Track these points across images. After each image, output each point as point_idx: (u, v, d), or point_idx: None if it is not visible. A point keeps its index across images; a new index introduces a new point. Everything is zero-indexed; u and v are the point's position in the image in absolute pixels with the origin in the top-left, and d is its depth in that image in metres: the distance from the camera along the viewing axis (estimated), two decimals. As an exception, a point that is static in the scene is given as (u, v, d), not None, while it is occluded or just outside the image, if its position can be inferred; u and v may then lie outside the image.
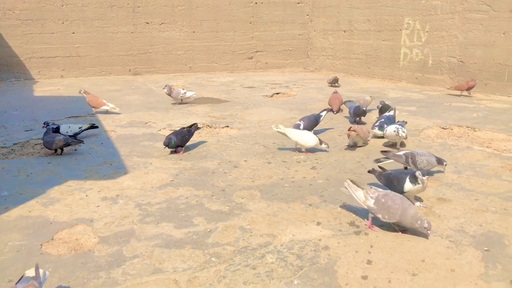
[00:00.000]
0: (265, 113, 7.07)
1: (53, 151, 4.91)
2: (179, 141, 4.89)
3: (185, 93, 7.66)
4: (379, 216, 3.04)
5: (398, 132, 4.82)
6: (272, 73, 12.85)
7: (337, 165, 4.55)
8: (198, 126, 5.30)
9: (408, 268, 2.63)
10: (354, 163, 4.59)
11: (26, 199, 3.68)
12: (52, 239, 3.02)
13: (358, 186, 3.22)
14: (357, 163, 4.59)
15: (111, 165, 4.56)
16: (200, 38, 12.55)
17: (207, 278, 2.54)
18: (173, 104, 7.81)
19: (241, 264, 2.68)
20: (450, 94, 8.67)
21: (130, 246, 2.90)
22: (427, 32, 9.79)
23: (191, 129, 5.12)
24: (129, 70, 11.98)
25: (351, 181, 3.28)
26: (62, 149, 4.94)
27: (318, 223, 3.22)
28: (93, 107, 7.00)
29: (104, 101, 7.00)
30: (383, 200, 3.03)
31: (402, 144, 5.16)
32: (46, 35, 10.99)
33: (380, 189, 3.18)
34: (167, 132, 5.81)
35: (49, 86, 10.07)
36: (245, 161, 4.70)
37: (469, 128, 5.95)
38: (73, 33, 11.23)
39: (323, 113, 5.67)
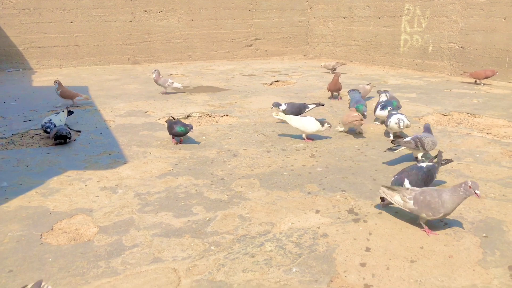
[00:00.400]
0: (265, 101, 7.04)
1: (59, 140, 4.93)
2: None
3: (172, 83, 7.62)
4: (423, 215, 2.86)
5: (400, 125, 4.68)
6: (271, 60, 12.78)
7: (336, 152, 4.55)
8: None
9: (406, 255, 2.64)
10: (353, 151, 4.58)
11: (25, 189, 3.69)
12: (52, 229, 3.03)
13: (393, 190, 3.01)
14: (357, 151, 4.58)
15: (110, 155, 4.56)
16: (199, 26, 12.46)
17: (206, 266, 2.55)
18: (162, 93, 7.76)
19: (240, 252, 2.69)
20: (461, 82, 8.62)
21: (130, 236, 2.91)
22: (427, 18, 9.71)
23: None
24: (128, 59, 11.93)
25: (386, 187, 3.07)
26: (63, 138, 4.91)
27: (317, 211, 3.23)
28: (67, 98, 6.82)
29: (76, 92, 6.89)
30: (421, 197, 2.86)
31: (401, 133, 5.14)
32: (44, 24, 10.92)
33: (416, 188, 2.99)
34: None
35: (47, 76, 10.03)
36: (244, 149, 4.69)
37: (469, 115, 5.93)
38: (71, 22, 11.16)
39: (311, 106, 5.55)
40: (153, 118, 6.07)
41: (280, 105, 5.48)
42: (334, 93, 7.27)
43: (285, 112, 5.34)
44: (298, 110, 5.43)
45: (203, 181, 3.84)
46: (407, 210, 2.95)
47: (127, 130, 5.49)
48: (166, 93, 7.78)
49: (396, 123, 4.70)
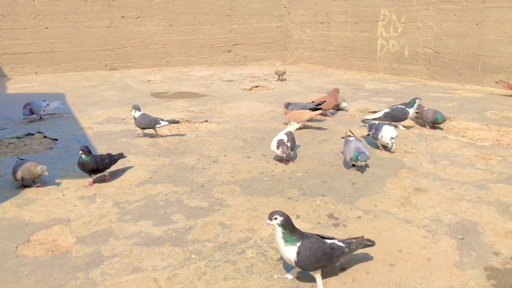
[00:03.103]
0: (245, 107, 7.05)
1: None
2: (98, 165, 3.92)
3: (48, 105, 6.17)
4: None
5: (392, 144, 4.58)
6: (250, 66, 12.81)
7: (316, 157, 4.58)
8: (124, 155, 4.35)
9: (385, 258, 2.67)
10: (332, 155, 4.63)
11: None
12: (28, 240, 2.96)
13: None
14: (336, 155, 4.62)
15: (88, 163, 4.48)
16: (178, 31, 12.41)
17: (187, 275, 2.53)
18: (29, 120, 6.21)
19: (221, 260, 2.68)
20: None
21: (109, 245, 2.87)
22: (403, 23, 9.89)
23: (113, 156, 4.18)
24: (106, 65, 11.79)
25: None
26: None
27: (298, 216, 3.24)
28: None
29: None
30: None
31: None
32: (18, 30, 10.71)
33: None
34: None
35: (23, 83, 9.83)
36: (224, 156, 4.69)
37: (444, 118, 6.04)
38: (47, 28, 10.97)
39: (164, 123, 5.18)
40: (131, 125, 6.00)
41: (138, 110, 5.21)
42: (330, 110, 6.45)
43: (135, 122, 5.22)
44: (148, 124, 5.20)
45: (183, 188, 3.82)
46: None
47: (105, 137, 5.42)
48: (41, 117, 6.23)
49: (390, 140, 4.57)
